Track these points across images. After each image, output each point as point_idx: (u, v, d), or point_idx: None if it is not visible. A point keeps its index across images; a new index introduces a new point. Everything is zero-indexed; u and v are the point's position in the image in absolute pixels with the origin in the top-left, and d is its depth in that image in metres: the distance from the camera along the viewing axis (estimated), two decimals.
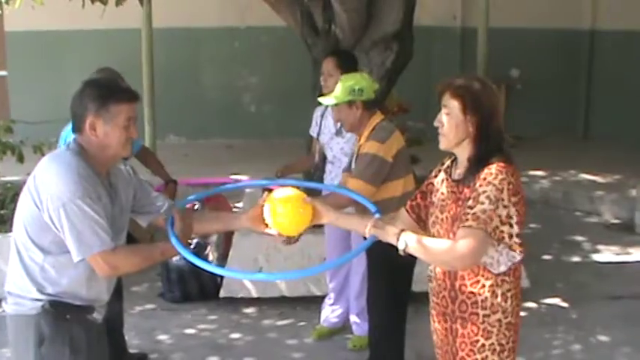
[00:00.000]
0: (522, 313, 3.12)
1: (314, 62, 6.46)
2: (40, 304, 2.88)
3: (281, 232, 3.08)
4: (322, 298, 5.45)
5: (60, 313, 2.90)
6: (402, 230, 2.81)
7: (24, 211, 2.89)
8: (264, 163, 7.35)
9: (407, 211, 3.11)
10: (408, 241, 2.76)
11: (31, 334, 2.89)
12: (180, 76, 11.33)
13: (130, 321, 5.25)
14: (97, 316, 3.04)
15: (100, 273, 2.89)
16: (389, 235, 2.83)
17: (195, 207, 6.02)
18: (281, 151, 8.34)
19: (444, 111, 2.86)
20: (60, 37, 11.51)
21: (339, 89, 4.22)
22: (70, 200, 2.77)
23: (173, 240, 2.96)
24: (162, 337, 5.39)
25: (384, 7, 6.28)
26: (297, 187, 3.19)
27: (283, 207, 3.01)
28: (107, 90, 2.96)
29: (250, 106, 11.83)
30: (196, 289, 5.75)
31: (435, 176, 3.04)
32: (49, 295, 2.88)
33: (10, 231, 5.97)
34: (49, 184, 2.81)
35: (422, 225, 3.05)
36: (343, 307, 5.31)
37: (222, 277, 5.68)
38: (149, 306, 5.83)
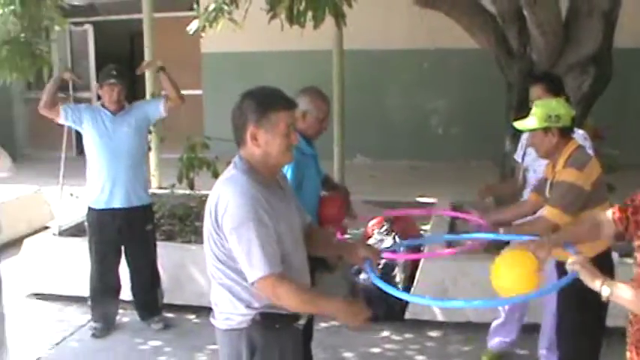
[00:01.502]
0: None
1: (508, 85, 6.47)
2: (249, 317, 3.01)
3: (499, 291, 3.03)
4: None
5: (270, 323, 3.01)
6: (605, 279, 2.74)
7: (209, 236, 3.01)
8: (449, 186, 7.42)
9: (614, 220, 3.05)
10: (615, 291, 2.70)
11: (244, 347, 3.03)
12: (369, 97, 11.60)
13: (316, 336, 5.44)
14: (302, 322, 3.15)
15: (264, 295, 2.96)
16: (593, 279, 2.76)
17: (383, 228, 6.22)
18: (467, 174, 8.40)
19: None
20: (253, 58, 12.13)
21: (536, 115, 4.23)
22: (241, 224, 2.87)
23: (374, 277, 3.05)
24: (347, 354, 5.55)
25: (583, 29, 6.20)
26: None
27: (513, 271, 2.99)
28: (266, 99, 3.03)
29: (437, 128, 11.91)
30: (383, 309, 5.87)
31: None
32: (256, 308, 3.00)
33: None
34: (222, 208, 2.91)
35: (618, 238, 3.01)
36: (514, 330, 5.28)
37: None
38: (335, 323, 6.02)
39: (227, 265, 2.99)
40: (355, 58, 10.77)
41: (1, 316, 5.04)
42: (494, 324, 5.35)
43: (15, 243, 7.50)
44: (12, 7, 6.50)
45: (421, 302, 5.75)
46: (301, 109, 4.20)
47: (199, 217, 7.38)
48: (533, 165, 5.01)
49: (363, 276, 6.00)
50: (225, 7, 5.43)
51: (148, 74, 9.60)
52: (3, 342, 5.05)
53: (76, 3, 8.75)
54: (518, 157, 5.29)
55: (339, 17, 5.00)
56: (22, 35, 6.64)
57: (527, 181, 5.10)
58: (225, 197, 2.93)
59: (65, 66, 5.84)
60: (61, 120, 5.86)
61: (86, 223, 6.10)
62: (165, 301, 6.23)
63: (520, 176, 5.25)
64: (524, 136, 5.19)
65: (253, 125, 2.99)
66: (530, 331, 5.28)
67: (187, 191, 7.81)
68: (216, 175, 7.39)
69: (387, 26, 11.44)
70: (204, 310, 6.09)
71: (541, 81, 5.00)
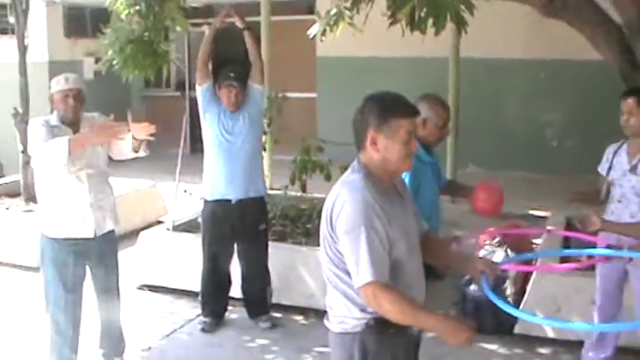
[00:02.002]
0: None
1: None
2: (364, 321, 3.03)
3: None
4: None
5: (384, 328, 3.03)
6: None
7: (325, 239, 3.06)
8: (562, 200, 7.24)
9: None
10: None
11: (356, 351, 3.07)
12: (483, 105, 11.49)
13: (423, 344, 5.42)
14: (416, 328, 3.16)
15: (366, 303, 2.98)
16: None
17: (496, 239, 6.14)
18: (581, 188, 8.18)
19: None
20: (367, 63, 12.18)
21: None
22: (353, 228, 2.90)
23: (487, 290, 3.07)
24: None
25: None
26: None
27: None
28: (388, 105, 3.05)
29: (552, 140, 11.69)
30: (492, 322, 5.81)
31: None
32: (371, 312, 3.02)
33: (316, 245, 6.54)
34: (337, 212, 2.96)
35: None
36: (609, 349, 5.15)
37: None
38: None
39: (341, 268, 3.02)
40: (470, 66, 10.68)
41: (118, 304, 5.27)
42: (588, 340, 5.24)
43: (130, 235, 7.78)
44: (137, 8, 6.76)
45: (537, 322, 5.65)
46: (421, 116, 4.21)
47: (310, 219, 7.49)
48: (620, 180, 4.87)
49: (473, 287, 5.95)
50: (347, 12, 5.48)
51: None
52: (119, 328, 5.28)
53: (194, 5, 9.03)
54: (602, 170, 5.12)
55: (461, 24, 4.98)
56: (146, 34, 6.88)
57: (612, 196, 4.96)
58: (341, 200, 2.97)
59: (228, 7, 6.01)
60: (200, 87, 6.00)
61: (200, 219, 6.27)
62: (274, 300, 6.34)
63: (604, 190, 5.11)
64: (611, 149, 5.07)
65: (374, 130, 3.02)
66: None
67: (299, 193, 7.93)
68: (328, 179, 7.51)
69: (504, 35, 11.30)
70: (312, 312, 6.25)
71: (632, 94, 4.87)
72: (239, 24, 6.11)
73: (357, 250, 2.90)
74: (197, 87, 6.05)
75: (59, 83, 4.87)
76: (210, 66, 6.11)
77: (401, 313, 2.94)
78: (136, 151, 5.01)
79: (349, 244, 2.92)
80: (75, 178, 4.82)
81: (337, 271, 3.05)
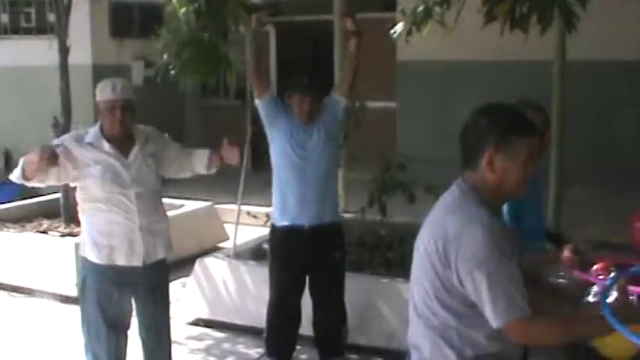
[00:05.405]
0: None
1: None
2: None
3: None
4: None
5: None
6: None
7: (426, 271, 3.03)
8: None
9: None
10: None
11: None
12: (594, 117, 11.32)
13: None
14: None
15: (513, 340, 2.96)
16: None
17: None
18: None
19: None
20: (457, 68, 12.13)
21: None
22: (486, 262, 2.86)
23: (608, 315, 2.86)
24: None
25: None
26: None
27: None
28: (509, 120, 3.02)
29: None
30: None
31: None
32: (469, 357, 3.00)
33: (398, 276, 6.52)
34: (458, 243, 2.91)
35: None
36: None
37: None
38: None
39: (446, 306, 3.01)
40: (579, 71, 10.51)
41: (168, 343, 5.29)
42: None
43: (183, 263, 7.84)
44: (195, 5, 6.85)
45: None
46: None
47: (391, 246, 7.47)
48: None
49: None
50: (437, 9, 5.45)
51: (336, 81, 9.83)
52: None
53: (257, 1, 9.14)
54: None
55: (571, 20, 4.93)
56: (206, 36, 6.95)
57: None
58: (459, 231, 2.94)
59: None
60: (260, 100, 5.95)
61: (266, 246, 6.29)
62: (349, 340, 6.31)
63: None
64: None
65: (492, 148, 2.99)
66: None
67: (378, 217, 7.90)
68: (412, 200, 7.46)
69: (618, 33, 11.13)
70: (393, 355, 6.20)
71: None
72: (350, 26, 6.04)
73: (497, 286, 2.87)
74: (256, 100, 6.02)
75: (105, 91, 4.86)
76: (267, 74, 6.02)
77: (558, 336, 2.99)
78: (208, 170, 5.12)
79: (485, 282, 2.88)
80: (122, 197, 4.84)
81: (439, 309, 3.02)
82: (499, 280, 2.86)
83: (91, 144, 4.85)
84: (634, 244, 4.53)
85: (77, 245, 5.20)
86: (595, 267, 6.20)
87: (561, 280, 4.85)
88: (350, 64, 6.11)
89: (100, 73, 11.70)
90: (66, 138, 4.96)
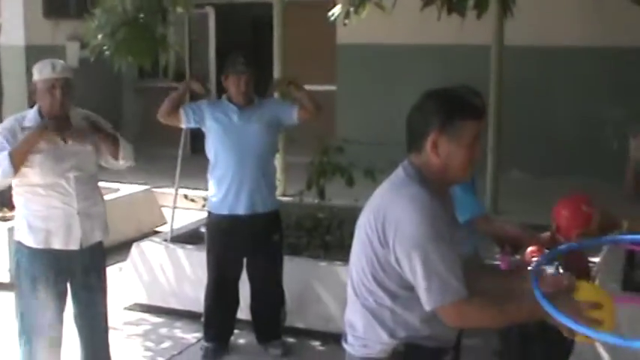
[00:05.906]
0: None
1: None
2: (391, 347, 3.05)
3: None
4: None
5: (412, 356, 3.05)
6: None
7: (364, 250, 3.05)
8: (627, 210, 7.21)
9: None
10: None
11: None
12: (531, 101, 11.46)
13: None
14: (448, 358, 3.16)
15: (448, 323, 2.98)
16: None
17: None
18: None
19: None
20: (396, 51, 12.18)
21: None
22: (423, 243, 2.87)
23: (539, 296, 2.86)
24: None
25: None
26: None
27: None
28: (453, 103, 3.02)
29: (613, 141, 11.62)
30: (540, 352, 5.77)
31: None
32: (401, 338, 3.04)
33: (336, 259, 6.55)
34: (397, 222, 2.93)
35: None
36: None
37: (572, 341, 5.64)
38: None
39: (382, 286, 3.03)
40: (517, 55, 10.64)
41: (105, 329, 5.26)
42: None
43: (120, 247, 7.80)
44: None
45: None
46: None
47: (329, 230, 7.50)
48: None
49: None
50: None
51: (276, 64, 9.84)
52: (106, 356, 5.28)
53: None
54: None
55: (508, 5, 5.01)
56: (141, 16, 6.88)
57: None
58: (398, 211, 2.96)
59: (194, 75, 6.10)
60: (183, 124, 6.04)
61: (204, 230, 6.28)
62: (287, 323, 6.35)
63: None
64: None
65: (436, 131, 2.99)
66: None
67: (316, 200, 7.92)
68: (350, 184, 7.50)
69: (555, 20, 11.28)
70: (331, 337, 6.23)
71: None
72: (296, 94, 6.13)
73: (432, 268, 2.89)
74: (182, 126, 6.17)
75: (44, 70, 4.79)
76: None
77: (491, 319, 3.06)
78: (115, 158, 5.01)
79: (420, 263, 2.90)
80: (61, 181, 4.79)
81: (375, 287, 3.05)
82: (434, 262, 2.87)
83: (30, 128, 4.77)
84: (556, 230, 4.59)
85: (10, 230, 5.11)
86: (529, 249, 6.33)
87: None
88: (307, 105, 6.08)
89: (33, 54, 11.52)
90: (9, 125, 4.85)
